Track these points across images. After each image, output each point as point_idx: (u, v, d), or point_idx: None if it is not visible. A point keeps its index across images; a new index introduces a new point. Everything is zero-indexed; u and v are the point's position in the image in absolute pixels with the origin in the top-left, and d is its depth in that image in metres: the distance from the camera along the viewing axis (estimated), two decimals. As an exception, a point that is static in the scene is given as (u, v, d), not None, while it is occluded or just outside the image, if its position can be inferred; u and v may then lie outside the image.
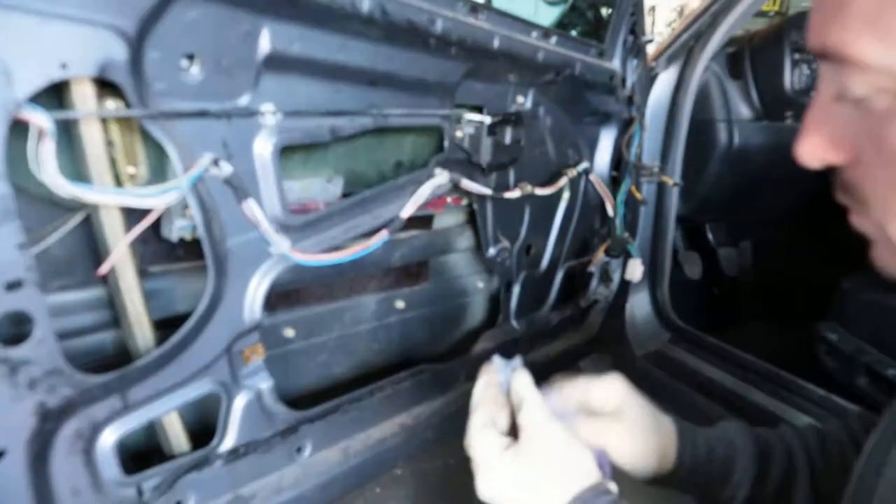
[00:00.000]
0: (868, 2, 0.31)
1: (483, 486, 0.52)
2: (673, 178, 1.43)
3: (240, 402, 0.74)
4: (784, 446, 0.65)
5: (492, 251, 1.07)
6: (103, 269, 0.60)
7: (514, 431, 0.55)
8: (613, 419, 0.62)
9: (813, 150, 0.39)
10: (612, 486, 0.51)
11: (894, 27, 0.30)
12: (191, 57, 0.58)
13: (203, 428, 0.75)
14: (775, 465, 0.63)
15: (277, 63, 0.65)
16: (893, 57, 0.31)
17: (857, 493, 0.46)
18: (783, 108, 1.68)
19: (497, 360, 0.61)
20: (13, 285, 0.50)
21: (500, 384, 0.59)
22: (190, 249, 0.72)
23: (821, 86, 0.38)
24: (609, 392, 0.63)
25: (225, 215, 0.66)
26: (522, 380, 0.57)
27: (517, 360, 0.61)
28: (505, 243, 1.10)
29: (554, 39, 1.00)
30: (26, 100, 0.48)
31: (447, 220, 1.07)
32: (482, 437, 0.54)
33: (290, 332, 0.87)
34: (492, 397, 0.58)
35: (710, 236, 2.02)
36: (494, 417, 0.56)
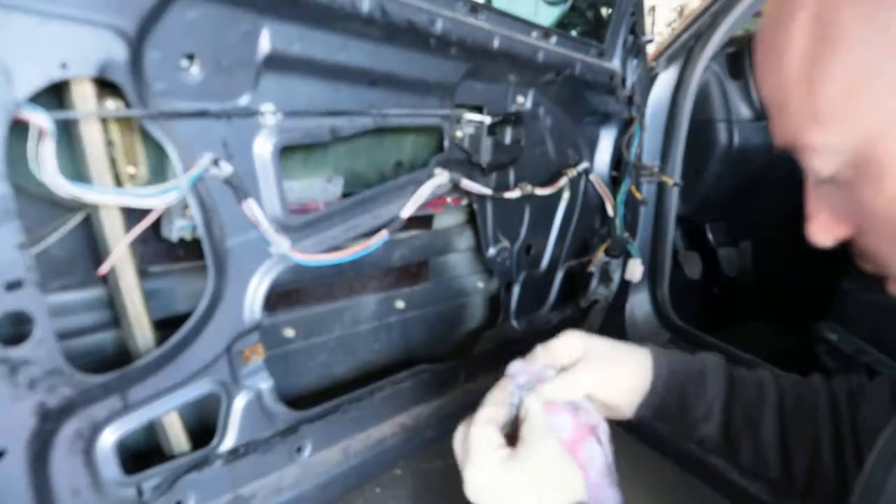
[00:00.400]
0: (801, 99, 0.37)
1: (469, 477, 0.52)
2: (673, 178, 1.43)
3: (240, 402, 0.74)
4: (754, 375, 0.66)
5: (492, 251, 1.07)
6: (103, 269, 0.60)
7: (511, 442, 0.55)
8: (584, 361, 0.63)
9: (821, 231, 0.43)
10: None
11: (826, 114, 0.36)
12: (191, 57, 0.58)
13: (203, 428, 0.75)
14: (745, 387, 0.64)
15: (277, 63, 0.65)
16: (834, 137, 0.36)
17: (867, 488, 0.47)
18: (783, 108, 1.68)
19: (514, 368, 0.62)
20: (13, 285, 0.50)
21: (511, 393, 0.59)
22: (190, 249, 0.72)
23: (805, 174, 0.42)
24: (568, 342, 0.64)
25: (225, 215, 0.66)
26: (535, 398, 0.58)
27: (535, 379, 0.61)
28: (505, 243, 1.10)
29: (554, 39, 1.00)
30: (26, 100, 0.49)
31: (447, 220, 1.07)
32: (483, 430, 0.54)
33: (290, 332, 0.87)
34: (502, 401, 0.58)
35: (710, 236, 2.02)
36: (499, 419, 0.57)
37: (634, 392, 0.63)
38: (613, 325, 1.49)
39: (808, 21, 0.35)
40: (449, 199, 0.99)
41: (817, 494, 0.60)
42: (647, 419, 0.65)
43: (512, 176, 1.05)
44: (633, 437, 1.51)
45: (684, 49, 1.44)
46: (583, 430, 0.58)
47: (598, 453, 0.57)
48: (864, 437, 0.57)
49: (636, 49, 1.22)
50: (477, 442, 0.53)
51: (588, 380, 0.61)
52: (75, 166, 0.58)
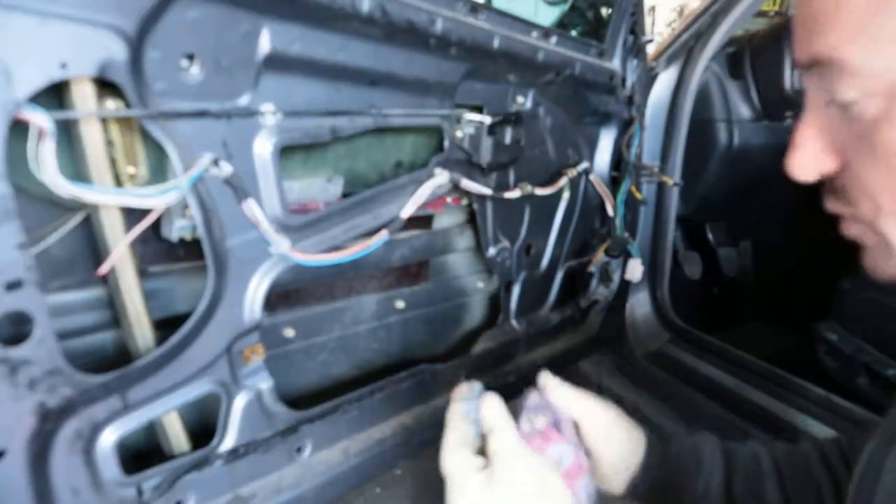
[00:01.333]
0: (856, 11, 0.33)
1: None
2: (673, 178, 1.43)
3: (240, 402, 0.74)
4: (747, 448, 0.65)
5: (492, 251, 1.07)
6: (103, 269, 0.60)
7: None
8: (582, 398, 0.62)
9: (805, 161, 0.41)
10: None
11: (882, 33, 0.32)
12: (191, 57, 0.58)
13: (203, 428, 0.75)
14: (741, 460, 0.64)
15: (277, 63, 0.65)
16: (881, 61, 0.33)
17: (856, 498, 0.47)
18: (783, 108, 1.68)
19: (464, 387, 0.58)
20: (13, 285, 0.50)
21: (466, 411, 0.56)
22: (190, 249, 0.71)
23: (808, 100, 0.40)
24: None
25: (225, 215, 0.66)
26: (491, 404, 0.54)
27: (479, 386, 0.58)
28: (505, 243, 1.10)
29: (554, 39, 1.00)
30: (26, 100, 0.49)
31: (447, 220, 1.07)
32: (456, 457, 0.51)
33: (290, 332, 0.87)
34: (464, 417, 0.55)
35: (710, 236, 2.03)
36: (468, 439, 0.53)
37: (623, 453, 0.62)
38: (613, 325, 1.49)
39: None
40: (449, 199, 0.99)
41: None
42: (642, 497, 0.63)
43: (512, 176, 1.05)
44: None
45: (684, 49, 1.44)
46: (582, 465, 0.56)
47: (594, 491, 0.55)
48: None
49: (636, 49, 1.22)
50: (452, 470, 0.51)
51: (585, 404, 0.60)
52: (75, 166, 0.58)
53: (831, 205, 0.43)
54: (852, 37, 0.33)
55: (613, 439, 0.62)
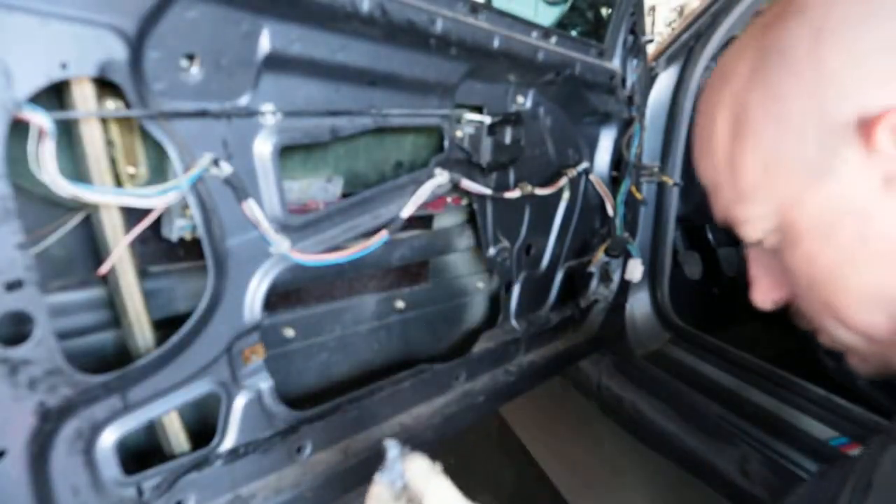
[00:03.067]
0: (728, 181, 0.45)
1: None
2: (673, 178, 1.43)
3: (240, 402, 0.74)
4: None
5: (492, 251, 1.07)
6: (103, 269, 0.60)
7: None
8: None
9: (761, 294, 0.50)
10: None
11: (747, 192, 0.44)
12: (191, 57, 0.58)
13: (203, 428, 0.75)
14: None
15: (277, 63, 0.65)
16: (755, 210, 0.44)
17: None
18: (783, 108, 1.68)
19: (391, 452, 0.51)
20: (13, 285, 0.50)
21: (391, 483, 0.49)
22: (190, 249, 0.71)
23: (745, 245, 0.49)
24: None
25: (225, 215, 0.66)
26: (418, 465, 0.49)
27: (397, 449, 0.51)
28: (505, 243, 1.10)
29: (554, 39, 1.00)
30: (26, 100, 0.49)
31: (447, 220, 1.07)
32: None
33: (290, 332, 0.87)
34: (388, 488, 0.50)
35: (710, 236, 2.03)
36: None
37: None
38: (613, 325, 1.49)
39: (727, 119, 0.44)
40: (449, 199, 0.99)
41: None
42: None
43: (512, 176, 1.05)
44: (633, 437, 1.52)
45: (684, 49, 1.44)
46: None
47: None
48: None
49: (636, 49, 1.22)
50: None
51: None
52: (75, 166, 0.58)
53: (801, 323, 0.50)
54: (733, 200, 0.45)
55: None
